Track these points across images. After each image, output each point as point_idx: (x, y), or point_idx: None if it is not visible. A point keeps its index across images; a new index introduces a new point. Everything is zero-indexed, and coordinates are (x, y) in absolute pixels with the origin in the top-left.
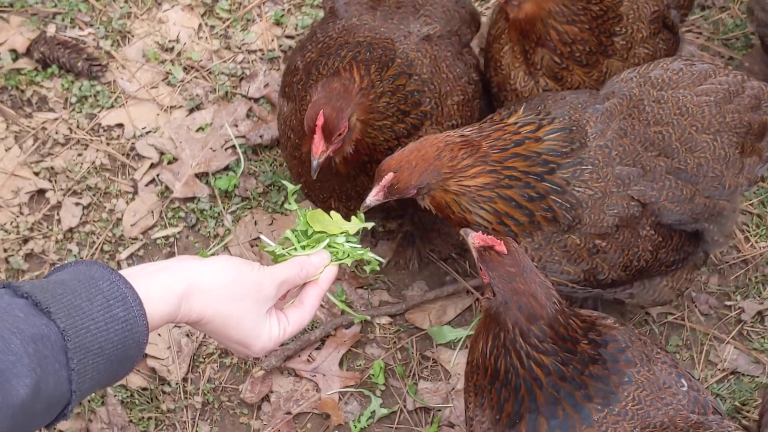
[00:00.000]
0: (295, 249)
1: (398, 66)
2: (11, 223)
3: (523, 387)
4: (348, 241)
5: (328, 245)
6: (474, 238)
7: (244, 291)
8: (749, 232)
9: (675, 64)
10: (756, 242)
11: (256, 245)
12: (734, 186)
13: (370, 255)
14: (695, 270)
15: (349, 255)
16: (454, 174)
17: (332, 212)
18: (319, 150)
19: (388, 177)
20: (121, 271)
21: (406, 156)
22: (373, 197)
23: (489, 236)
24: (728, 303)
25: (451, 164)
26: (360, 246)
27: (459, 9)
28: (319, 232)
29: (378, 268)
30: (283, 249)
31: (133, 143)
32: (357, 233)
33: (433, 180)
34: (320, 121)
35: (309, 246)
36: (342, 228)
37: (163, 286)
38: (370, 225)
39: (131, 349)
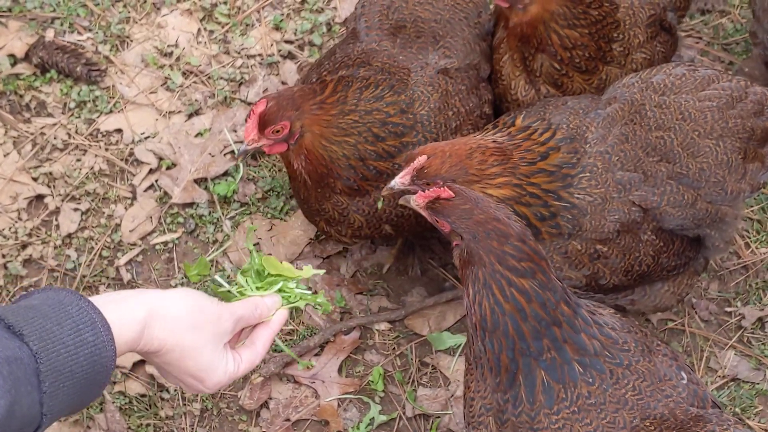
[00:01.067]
0: (249, 290)
1: (396, 99)
2: (9, 228)
3: (510, 326)
4: (299, 288)
5: (281, 289)
6: (418, 198)
7: (205, 321)
8: (749, 237)
9: (678, 70)
10: (756, 248)
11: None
12: (737, 192)
13: (320, 299)
14: (696, 275)
15: (300, 298)
16: (481, 179)
17: (284, 262)
18: (249, 136)
19: (421, 159)
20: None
21: (441, 146)
22: (400, 179)
23: (429, 190)
24: (729, 309)
25: (480, 168)
26: (310, 292)
27: (480, 42)
28: (273, 275)
29: (330, 310)
30: (236, 290)
31: (131, 148)
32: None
33: (459, 177)
34: (259, 109)
35: (263, 288)
36: (295, 275)
37: (128, 313)
38: (321, 272)
39: (99, 374)
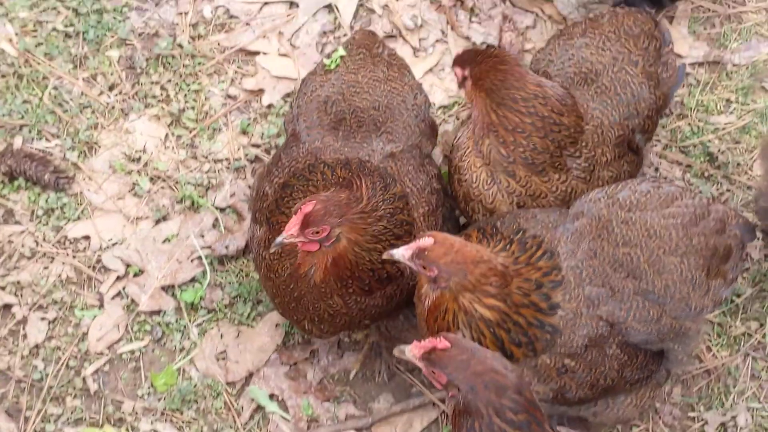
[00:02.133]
0: None
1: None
2: None
3: None
4: None
5: None
6: (413, 349)
7: None
8: (711, 342)
9: (642, 186)
10: (717, 352)
11: (222, 358)
12: (700, 307)
13: None
14: (658, 387)
15: None
16: (475, 290)
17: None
18: (289, 231)
19: (428, 241)
20: None
21: (450, 239)
22: (403, 251)
23: (424, 341)
24: (692, 414)
25: (479, 280)
26: None
27: (419, 123)
28: None
29: None
30: None
31: (99, 255)
32: None
33: (456, 277)
34: (306, 209)
35: None
36: None
37: None
38: None
39: None
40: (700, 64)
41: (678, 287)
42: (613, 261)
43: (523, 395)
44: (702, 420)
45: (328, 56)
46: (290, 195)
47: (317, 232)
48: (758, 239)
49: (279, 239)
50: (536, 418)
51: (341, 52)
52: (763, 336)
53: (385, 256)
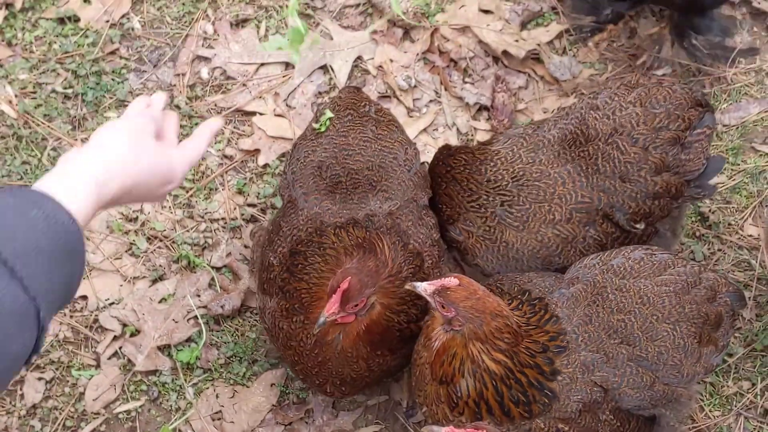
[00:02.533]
0: None
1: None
2: None
3: None
4: None
5: None
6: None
7: (141, 139)
8: (703, 401)
9: (636, 254)
10: (710, 411)
11: (218, 418)
12: (692, 374)
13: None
14: None
15: None
16: (486, 341)
17: None
18: (331, 310)
19: (452, 281)
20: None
21: (475, 286)
22: (427, 284)
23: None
24: None
25: (493, 333)
26: None
27: (412, 177)
28: None
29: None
30: None
31: (96, 315)
32: None
33: (472, 324)
34: (344, 286)
35: None
36: None
37: (77, 192)
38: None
39: (68, 242)
40: None
41: (670, 354)
42: (608, 327)
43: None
44: None
45: (317, 120)
46: (304, 261)
47: (356, 306)
48: (748, 306)
49: (322, 320)
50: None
51: (329, 114)
52: (755, 396)
53: (407, 287)
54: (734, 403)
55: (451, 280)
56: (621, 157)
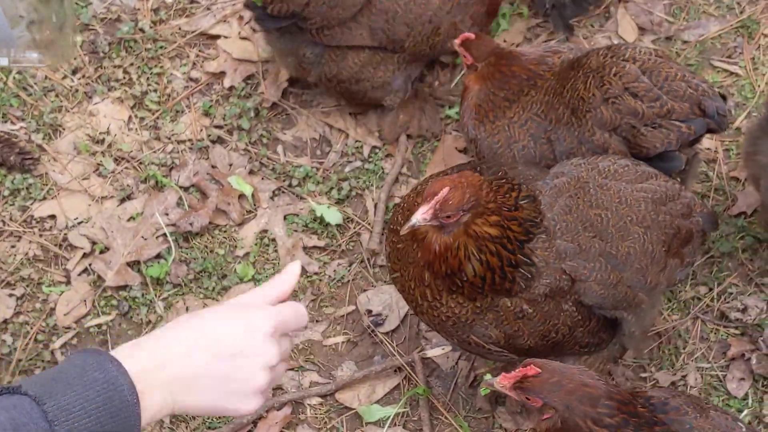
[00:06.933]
0: None
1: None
2: None
3: None
4: None
5: None
6: (502, 380)
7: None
8: (662, 306)
9: (623, 161)
10: (668, 315)
11: None
12: (655, 282)
13: None
14: (609, 362)
15: None
16: (483, 214)
17: None
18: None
19: (444, 192)
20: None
21: (456, 178)
22: (421, 215)
23: (512, 372)
24: (643, 375)
25: (487, 200)
26: None
27: None
28: None
29: None
30: None
31: (65, 234)
32: None
33: (474, 207)
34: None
35: None
36: None
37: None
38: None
39: (120, 411)
40: (654, 42)
41: (638, 257)
42: (585, 220)
43: (614, 399)
44: (653, 380)
45: None
46: None
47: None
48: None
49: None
50: (629, 410)
51: None
52: (712, 299)
53: (406, 230)
54: (692, 307)
55: (444, 192)
56: (582, 90)
